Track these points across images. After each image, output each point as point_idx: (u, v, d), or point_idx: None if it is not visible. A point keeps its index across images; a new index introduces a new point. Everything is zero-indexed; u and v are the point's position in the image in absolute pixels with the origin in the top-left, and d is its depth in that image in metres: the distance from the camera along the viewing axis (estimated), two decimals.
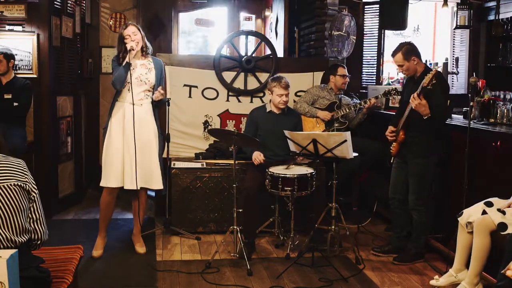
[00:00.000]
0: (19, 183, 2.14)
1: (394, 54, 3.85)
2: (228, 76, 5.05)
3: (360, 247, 4.15)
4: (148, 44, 4.06)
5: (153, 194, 4.87)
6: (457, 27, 6.01)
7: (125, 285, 3.48)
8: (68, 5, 5.30)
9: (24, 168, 2.22)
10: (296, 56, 6.35)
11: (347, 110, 4.91)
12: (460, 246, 3.24)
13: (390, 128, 3.96)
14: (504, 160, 3.43)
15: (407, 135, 3.82)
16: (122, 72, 3.85)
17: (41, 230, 2.24)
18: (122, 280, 3.54)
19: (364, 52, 6.15)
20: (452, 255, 3.36)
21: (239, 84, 5.08)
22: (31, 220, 2.21)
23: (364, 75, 6.17)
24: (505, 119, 3.97)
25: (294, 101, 5.05)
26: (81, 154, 5.83)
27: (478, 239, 3.02)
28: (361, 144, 4.59)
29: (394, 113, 4.24)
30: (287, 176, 3.91)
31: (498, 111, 4.02)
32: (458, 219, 3.22)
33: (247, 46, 5.12)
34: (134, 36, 3.91)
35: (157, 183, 4.02)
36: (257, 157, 4.20)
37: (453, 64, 6.20)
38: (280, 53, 6.15)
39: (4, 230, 2.06)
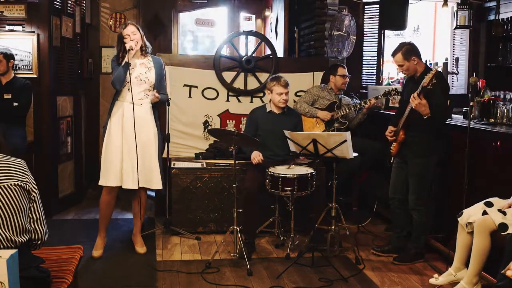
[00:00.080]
0: (19, 183, 2.14)
1: (394, 54, 3.85)
2: (228, 76, 5.05)
3: (360, 247, 4.15)
4: (148, 43, 4.06)
5: (153, 194, 4.87)
6: (457, 27, 6.01)
7: (125, 285, 3.47)
8: (68, 5, 5.30)
9: (25, 168, 2.22)
10: (296, 56, 6.35)
11: (347, 110, 4.91)
12: (460, 246, 3.25)
13: (390, 128, 3.96)
14: (504, 160, 3.43)
15: (407, 135, 3.82)
16: (121, 72, 3.85)
17: (41, 230, 2.24)
18: (122, 280, 3.54)
19: (364, 52, 6.15)
20: (452, 255, 3.36)
21: (239, 84, 5.08)
22: (31, 220, 2.21)
23: (364, 75, 6.17)
24: (505, 119, 3.97)
25: (294, 101, 5.05)
26: (81, 154, 5.83)
27: (478, 239, 3.02)
28: (361, 144, 4.59)
29: (394, 113, 4.24)
30: (287, 176, 3.91)
31: (498, 111, 4.03)
32: (458, 219, 3.22)
33: (247, 46, 5.13)
34: (133, 35, 3.91)
35: (156, 183, 4.02)
36: (256, 156, 4.20)
37: (453, 64, 6.20)
38: (280, 53, 6.15)
39: (4, 230, 2.06)
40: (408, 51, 3.78)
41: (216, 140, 4.90)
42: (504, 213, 2.96)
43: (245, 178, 4.29)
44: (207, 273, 3.66)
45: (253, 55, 5.13)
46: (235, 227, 3.86)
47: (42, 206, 2.28)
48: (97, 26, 6.12)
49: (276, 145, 4.34)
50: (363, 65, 6.17)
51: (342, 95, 4.96)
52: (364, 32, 6.11)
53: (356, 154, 3.95)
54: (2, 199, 2.07)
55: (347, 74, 5.02)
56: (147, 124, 3.98)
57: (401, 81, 5.80)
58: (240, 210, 3.93)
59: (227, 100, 5.10)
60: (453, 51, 6.40)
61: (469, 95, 3.83)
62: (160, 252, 4.08)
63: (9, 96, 4.46)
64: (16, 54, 4.68)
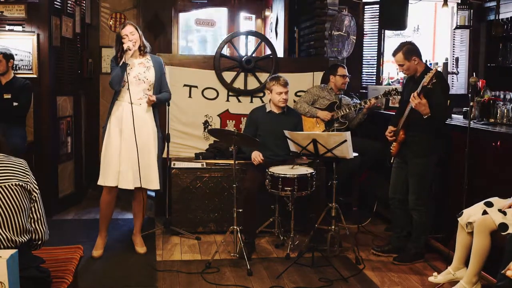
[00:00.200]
0: (20, 183, 2.14)
1: (395, 54, 3.85)
2: (228, 76, 5.05)
3: (360, 247, 4.15)
4: (146, 43, 4.05)
5: (153, 194, 4.87)
6: (457, 27, 6.02)
7: (125, 285, 3.47)
8: (68, 5, 5.30)
9: (26, 168, 2.22)
10: (296, 56, 6.35)
11: (347, 110, 4.91)
12: (460, 245, 3.25)
13: (390, 128, 3.96)
14: (504, 160, 3.43)
15: (407, 135, 3.82)
16: (118, 72, 3.85)
17: (42, 230, 2.24)
18: (122, 280, 3.54)
19: (364, 52, 6.15)
20: (452, 255, 3.36)
21: (239, 84, 5.08)
22: (32, 220, 2.21)
23: (364, 75, 6.17)
24: (505, 119, 3.97)
25: (294, 101, 5.05)
26: (81, 154, 5.83)
27: (478, 239, 3.02)
28: (361, 144, 4.60)
29: (394, 113, 4.24)
30: (287, 176, 3.91)
31: (498, 111, 4.03)
32: (458, 219, 3.22)
33: (247, 46, 5.13)
34: (131, 35, 3.91)
35: (154, 183, 4.01)
36: (256, 157, 4.20)
37: (453, 64, 6.20)
38: (280, 53, 6.15)
39: (4, 230, 2.06)
40: (409, 50, 3.78)
41: (216, 140, 4.90)
42: (504, 213, 2.96)
43: (245, 178, 4.29)
44: (207, 273, 3.66)
45: (253, 55, 5.13)
46: (235, 227, 3.86)
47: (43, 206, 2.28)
48: (97, 26, 6.12)
49: (276, 145, 4.34)
50: (363, 65, 6.17)
51: (342, 95, 4.96)
52: (364, 32, 6.11)
53: (356, 154, 3.95)
54: (2, 199, 2.07)
55: (347, 74, 5.03)
56: (146, 123, 3.98)
57: (401, 81, 5.80)
58: (240, 210, 3.93)
59: (227, 100, 5.10)
60: (453, 51, 6.40)
61: (469, 95, 3.83)
62: (160, 252, 4.08)
63: (9, 96, 4.46)
64: (16, 54, 4.68)
